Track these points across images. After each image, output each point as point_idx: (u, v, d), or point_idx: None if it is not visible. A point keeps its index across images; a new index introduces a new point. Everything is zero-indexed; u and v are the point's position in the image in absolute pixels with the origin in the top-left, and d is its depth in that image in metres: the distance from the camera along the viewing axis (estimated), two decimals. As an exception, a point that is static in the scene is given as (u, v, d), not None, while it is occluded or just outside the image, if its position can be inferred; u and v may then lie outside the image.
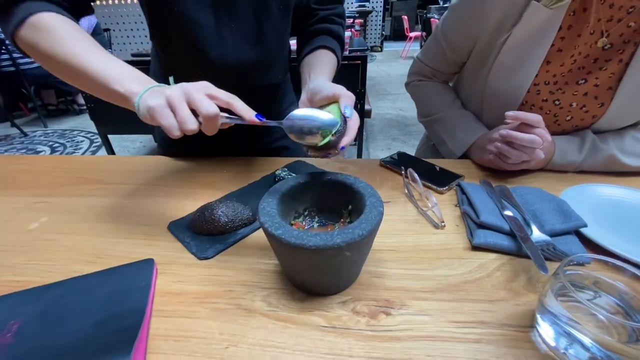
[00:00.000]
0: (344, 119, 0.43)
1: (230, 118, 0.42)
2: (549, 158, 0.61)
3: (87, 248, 0.49)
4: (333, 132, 0.41)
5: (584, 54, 0.58)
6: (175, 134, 0.38)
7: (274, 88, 0.75)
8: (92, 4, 0.57)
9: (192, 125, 0.38)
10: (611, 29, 0.55)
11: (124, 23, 4.95)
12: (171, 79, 0.43)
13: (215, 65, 0.62)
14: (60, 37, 0.44)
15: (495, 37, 0.62)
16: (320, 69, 0.61)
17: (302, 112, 0.42)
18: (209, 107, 0.38)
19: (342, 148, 0.43)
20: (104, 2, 4.78)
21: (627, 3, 0.52)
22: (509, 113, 0.54)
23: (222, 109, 0.41)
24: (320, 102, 0.48)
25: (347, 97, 0.45)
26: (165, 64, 0.68)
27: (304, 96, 0.51)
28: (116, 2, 4.80)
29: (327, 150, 0.43)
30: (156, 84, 0.43)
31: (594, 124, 0.63)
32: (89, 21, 3.50)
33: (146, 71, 0.50)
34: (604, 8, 0.54)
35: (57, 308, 0.38)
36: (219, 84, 0.58)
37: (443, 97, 0.78)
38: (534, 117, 0.54)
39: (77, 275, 0.43)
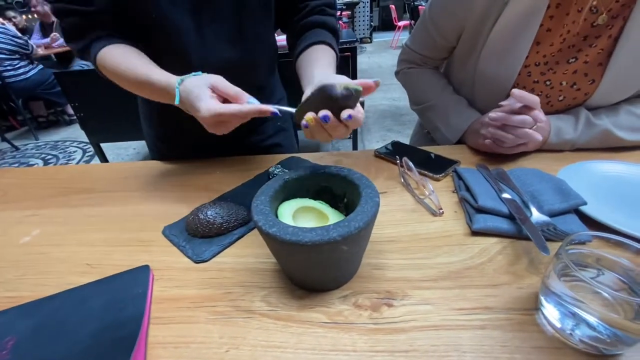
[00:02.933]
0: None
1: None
2: (545, 137, 0.61)
3: (80, 259, 0.48)
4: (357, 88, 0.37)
5: (573, 32, 0.57)
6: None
7: (260, 88, 0.73)
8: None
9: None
10: (600, 5, 0.54)
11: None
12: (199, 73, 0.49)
13: (198, 67, 0.61)
14: (121, 65, 0.54)
15: (484, 20, 0.61)
16: (323, 63, 0.57)
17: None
18: (240, 115, 0.44)
19: (350, 117, 0.38)
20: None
21: None
22: (515, 91, 0.53)
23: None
24: None
25: (360, 80, 0.42)
26: None
27: (308, 91, 0.48)
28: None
29: (338, 108, 0.38)
30: (179, 79, 0.48)
31: (586, 101, 0.62)
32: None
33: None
34: None
35: (53, 321, 0.37)
36: None
37: (434, 84, 0.77)
38: (534, 99, 0.53)
39: (72, 287, 0.42)
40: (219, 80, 0.46)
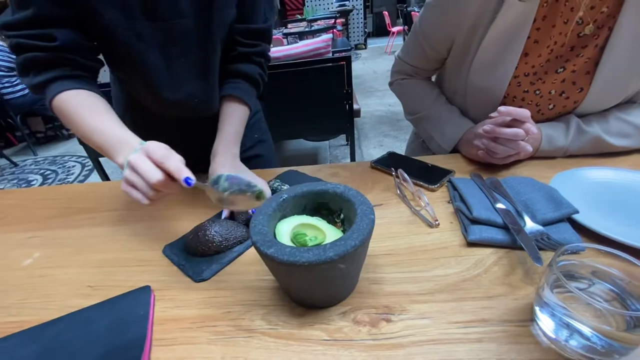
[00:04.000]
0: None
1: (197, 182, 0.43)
2: (537, 146, 0.62)
3: (82, 280, 0.48)
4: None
5: (560, 43, 0.59)
6: (145, 202, 0.43)
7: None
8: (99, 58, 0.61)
9: (151, 193, 0.43)
10: (586, 16, 0.55)
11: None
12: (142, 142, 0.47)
13: (167, 99, 0.65)
14: (73, 118, 0.53)
15: (473, 33, 0.63)
16: (229, 141, 0.65)
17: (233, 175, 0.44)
18: (151, 177, 0.41)
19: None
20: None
21: None
22: (501, 108, 0.55)
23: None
24: None
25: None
26: (125, 94, 0.71)
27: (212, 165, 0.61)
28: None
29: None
30: (133, 149, 0.45)
31: (576, 108, 0.63)
32: None
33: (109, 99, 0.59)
34: None
35: (56, 346, 0.38)
36: (172, 115, 0.69)
37: (427, 94, 0.78)
38: (523, 112, 0.54)
39: (75, 309, 0.42)
40: (155, 147, 0.44)
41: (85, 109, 0.53)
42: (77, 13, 0.52)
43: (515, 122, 0.56)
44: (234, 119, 0.68)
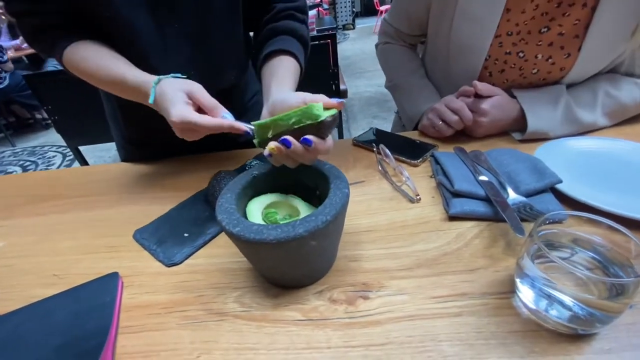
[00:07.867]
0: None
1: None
2: (484, 133, 0.61)
3: (47, 269, 0.46)
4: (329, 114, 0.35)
5: None
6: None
7: (230, 89, 0.68)
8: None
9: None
10: None
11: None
12: (179, 75, 0.49)
13: (158, 69, 0.57)
14: (91, 57, 0.53)
15: None
16: (283, 79, 0.53)
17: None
18: (211, 131, 0.44)
19: (308, 142, 0.36)
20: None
21: None
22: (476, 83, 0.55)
23: None
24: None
25: (322, 97, 0.39)
26: None
27: (265, 111, 0.47)
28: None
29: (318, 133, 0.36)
30: (157, 78, 0.48)
31: (563, 77, 0.61)
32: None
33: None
34: None
35: (14, 339, 0.35)
36: None
37: (407, 63, 0.77)
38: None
39: (38, 299, 0.40)
40: (196, 88, 0.46)
41: (106, 54, 0.53)
42: None
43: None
44: (282, 69, 0.55)
